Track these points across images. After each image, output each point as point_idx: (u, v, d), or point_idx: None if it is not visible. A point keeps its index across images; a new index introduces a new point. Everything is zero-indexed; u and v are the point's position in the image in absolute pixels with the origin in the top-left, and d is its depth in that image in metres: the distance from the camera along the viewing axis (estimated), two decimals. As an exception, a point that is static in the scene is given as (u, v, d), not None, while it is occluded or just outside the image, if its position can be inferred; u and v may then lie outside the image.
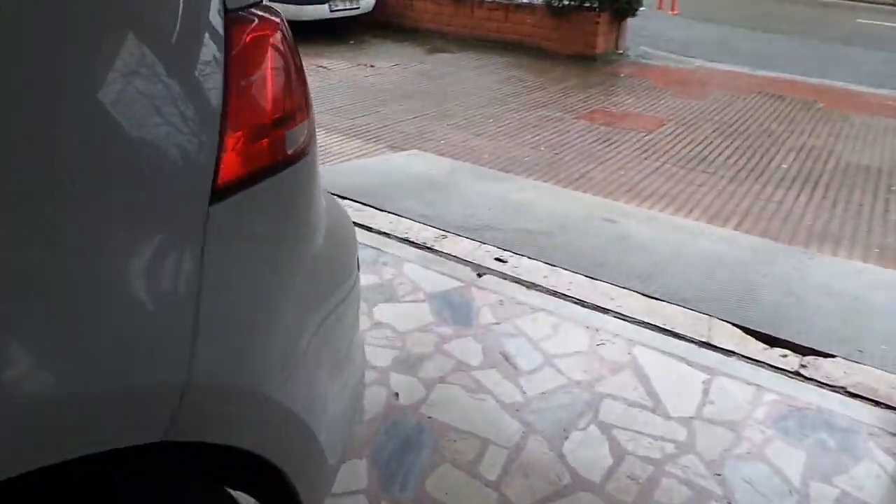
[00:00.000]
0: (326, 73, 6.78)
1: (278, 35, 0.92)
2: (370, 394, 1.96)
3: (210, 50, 0.79)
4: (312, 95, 1.08)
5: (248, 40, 0.86)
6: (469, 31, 8.46)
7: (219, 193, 0.78)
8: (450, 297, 2.46)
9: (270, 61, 0.89)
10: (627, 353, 2.13)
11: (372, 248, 2.81)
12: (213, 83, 0.78)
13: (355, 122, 5.29)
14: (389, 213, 3.17)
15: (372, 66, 7.15)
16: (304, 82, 1.02)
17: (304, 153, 0.97)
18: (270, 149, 0.87)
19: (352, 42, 8.37)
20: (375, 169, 4.00)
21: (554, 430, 1.83)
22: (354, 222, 3.03)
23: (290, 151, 0.92)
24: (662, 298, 2.46)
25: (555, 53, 7.73)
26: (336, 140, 4.81)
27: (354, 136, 4.93)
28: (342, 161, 4.30)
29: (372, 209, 3.20)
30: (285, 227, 0.91)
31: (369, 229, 2.98)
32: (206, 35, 0.79)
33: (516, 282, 2.57)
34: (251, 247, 0.83)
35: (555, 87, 6.58)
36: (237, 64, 0.83)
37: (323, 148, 4.55)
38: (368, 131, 5.06)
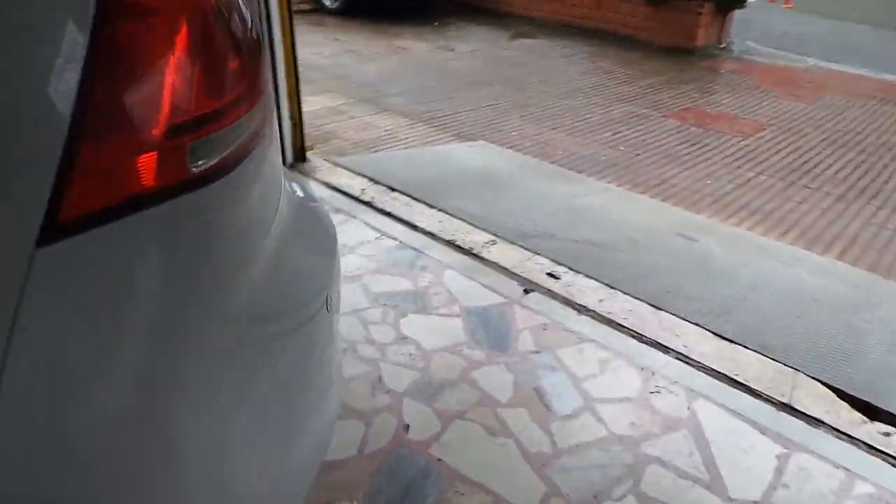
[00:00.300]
0: (404, 55, 6.57)
1: (196, 2, 0.68)
2: (378, 422, 1.73)
3: (61, 20, 0.56)
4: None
5: (133, 9, 0.62)
6: (558, 17, 8.02)
7: (57, 231, 0.54)
8: (488, 314, 2.19)
9: (177, 41, 0.65)
10: (686, 408, 1.79)
11: (413, 249, 2.57)
12: (63, 69, 0.55)
13: (426, 107, 5.05)
14: (439, 210, 2.92)
15: (452, 50, 6.88)
16: (247, 69, 0.78)
17: (227, 168, 0.72)
18: (159, 168, 0.63)
19: (436, 23, 8.12)
20: (435, 159, 3.76)
21: (582, 495, 1.53)
22: (400, 219, 2.83)
23: (197, 169, 0.67)
24: (738, 341, 2.08)
25: (649, 44, 7.18)
26: (403, 125, 4.59)
27: (423, 121, 4.69)
28: (404, 147, 4.07)
29: (421, 205, 2.96)
30: (179, 277, 0.67)
31: (415, 228, 2.74)
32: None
33: (567, 303, 2.26)
34: (110, 309, 0.59)
35: (645, 80, 6.08)
36: (113, 43, 0.59)
37: (388, 133, 4.36)
38: (438, 118, 4.81)
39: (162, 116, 0.63)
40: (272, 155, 0.91)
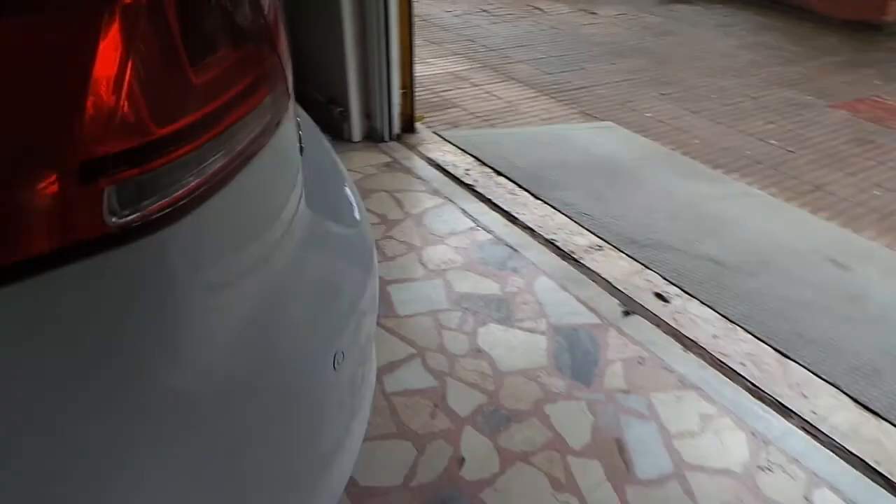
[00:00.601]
0: (540, 17, 6.17)
1: None
2: (432, 449, 1.56)
3: None
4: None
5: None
6: (721, -19, 7.15)
7: None
8: (578, 336, 1.93)
9: (106, 41, 0.48)
10: (804, 497, 1.46)
11: (507, 246, 2.34)
12: None
13: (554, 77, 4.69)
14: (544, 202, 2.65)
15: (593, 14, 6.37)
16: (243, 66, 0.62)
17: (186, 207, 0.56)
18: (51, 224, 0.47)
19: (580, -17, 7.56)
20: (552, 140, 3.45)
21: (652, 591, 1.28)
22: (500, 208, 2.59)
23: (125, 218, 0.51)
24: (887, 416, 1.68)
25: (826, 17, 6.22)
26: (526, 97, 4.29)
27: (547, 94, 4.36)
28: (520, 124, 3.79)
29: (526, 194, 2.71)
30: (89, 355, 0.51)
31: (514, 220, 2.51)
32: None
33: (673, 335, 1.94)
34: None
35: (815, 61, 5.27)
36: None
37: (508, 105, 4.09)
38: (564, 91, 4.45)
39: (59, 152, 0.46)
40: (278, 164, 0.73)
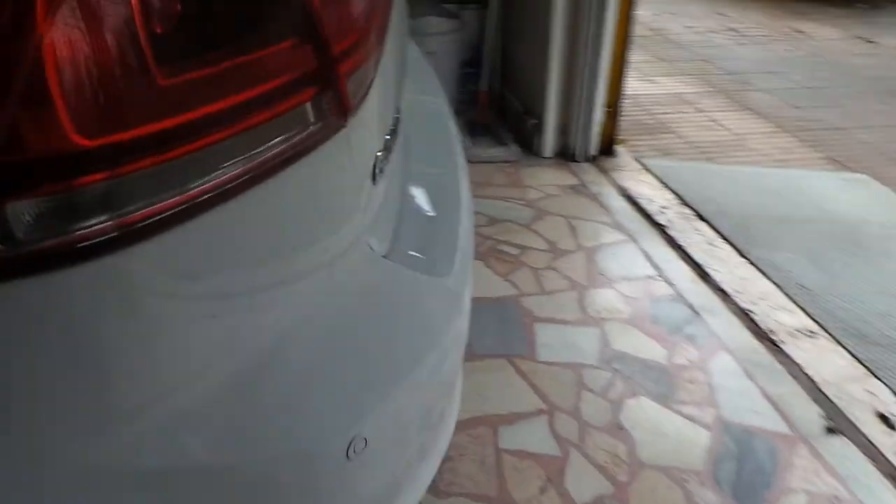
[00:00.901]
0: (800, 41, 5.34)
1: None
2: (531, 538, 1.31)
3: None
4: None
5: None
6: None
7: None
8: (752, 443, 1.52)
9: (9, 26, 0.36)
10: None
11: (688, 306, 1.96)
12: None
13: (802, 113, 4.00)
14: (750, 262, 2.19)
15: (871, 42, 5.36)
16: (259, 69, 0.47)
17: (152, 227, 0.43)
18: None
19: (860, 5, 6.44)
20: (779, 187, 2.89)
21: None
22: (691, 259, 2.20)
23: (13, 246, 0.39)
24: None
25: None
26: (760, 131, 3.70)
27: (788, 131, 3.71)
28: (744, 163, 3.25)
29: (729, 248, 2.27)
30: None
31: (704, 277, 2.10)
32: None
33: (893, 478, 1.43)
34: None
35: None
36: None
37: (736, 138, 3.56)
38: (812, 129, 3.76)
39: None
40: (311, 192, 0.56)
